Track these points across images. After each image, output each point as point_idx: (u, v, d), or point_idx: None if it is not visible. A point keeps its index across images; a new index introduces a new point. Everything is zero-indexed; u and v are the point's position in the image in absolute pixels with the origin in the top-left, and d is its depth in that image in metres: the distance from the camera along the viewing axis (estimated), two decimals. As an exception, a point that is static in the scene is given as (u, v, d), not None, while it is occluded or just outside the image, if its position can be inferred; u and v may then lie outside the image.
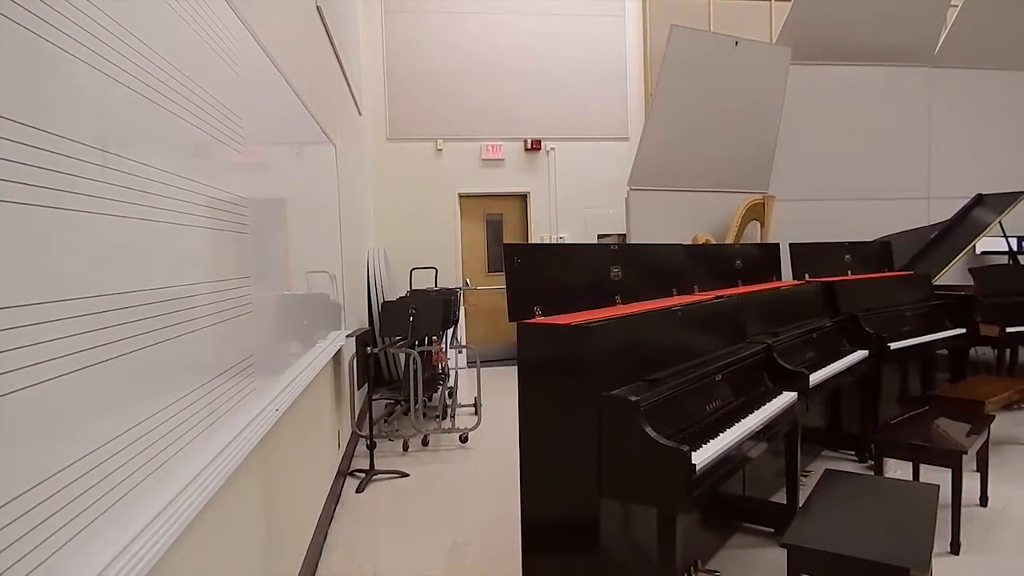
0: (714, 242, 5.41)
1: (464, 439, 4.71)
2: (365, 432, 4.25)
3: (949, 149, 6.36)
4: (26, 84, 0.88)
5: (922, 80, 6.32)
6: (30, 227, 0.87)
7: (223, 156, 1.75)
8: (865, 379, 3.79)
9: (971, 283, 4.81)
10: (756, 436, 2.27)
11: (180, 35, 1.44)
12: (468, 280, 7.79)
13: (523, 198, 8.23)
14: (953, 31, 6.25)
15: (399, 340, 4.89)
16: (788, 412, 2.55)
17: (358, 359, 4.33)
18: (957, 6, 6.22)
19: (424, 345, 5.08)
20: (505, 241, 8.39)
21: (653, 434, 1.86)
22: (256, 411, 1.91)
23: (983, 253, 6.11)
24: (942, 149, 6.36)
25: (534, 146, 7.99)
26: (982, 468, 3.22)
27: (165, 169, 1.31)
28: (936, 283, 4.80)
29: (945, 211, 5.56)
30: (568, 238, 8.04)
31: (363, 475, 3.98)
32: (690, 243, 5.22)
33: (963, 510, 2.80)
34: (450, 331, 5.79)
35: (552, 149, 8.06)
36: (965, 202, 5.41)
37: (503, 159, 7.99)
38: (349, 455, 4.33)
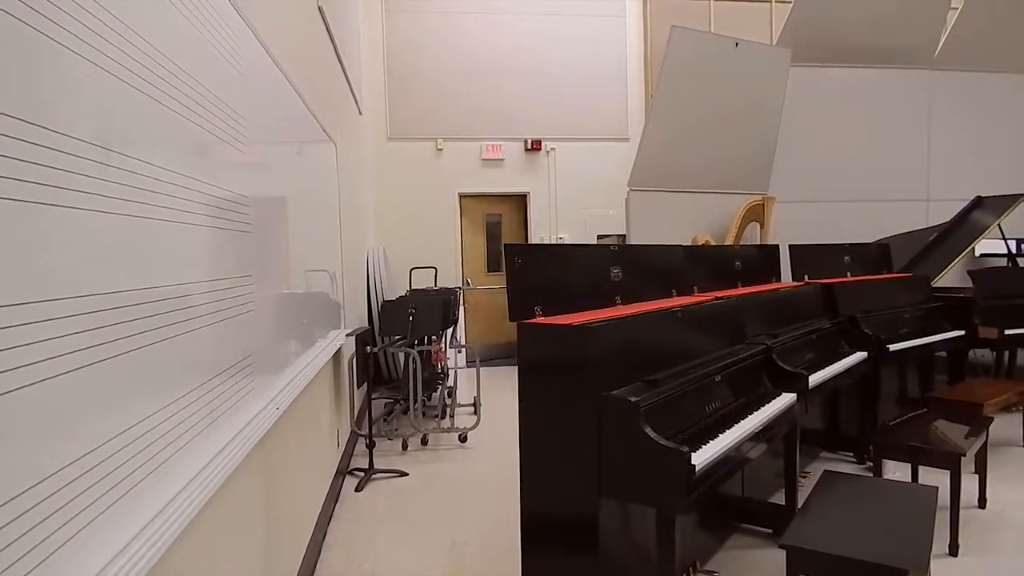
0: (714, 243, 5.42)
1: (463, 439, 4.71)
2: (364, 431, 4.25)
3: (949, 151, 6.37)
4: (27, 81, 0.88)
5: (922, 82, 6.33)
6: (29, 225, 0.87)
7: (225, 155, 1.75)
8: (864, 381, 3.79)
9: (970, 285, 4.81)
10: (755, 437, 2.27)
11: (182, 33, 1.44)
12: (469, 280, 7.80)
13: (521, 198, 8.24)
14: (953, 33, 6.26)
15: (398, 339, 4.89)
16: (787, 413, 2.56)
17: (358, 358, 4.33)
18: (957, 8, 6.23)
19: (423, 344, 5.08)
20: (503, 241, 8.41)
21: (653, 435, 1.87)
22: (256, 410, 1.92)
23: (982, 255, 6.12)
24: (942, 151, 6.37)
25: (534, 146, 7.99)
26: (981, 470, 3.22)
27: (167, 167, 1.32)
28: (935, 285, 4.81)
29: (944, 213, 5.57)
30: (568, 238, 8.05)
31: (362, 474, 3.98)
32: (690, 244, 5.23)
33: (961, 512, 2.80)
34: (449, 331, 5.80)
35: (552, 149, 8.06)
36: (964, 204, 5.42)
37: (503, 159, 8.00)
38: (348, 454, 4.34)
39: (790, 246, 4.22)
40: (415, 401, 4.68)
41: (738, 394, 2.51)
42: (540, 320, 2.17)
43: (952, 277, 5.10)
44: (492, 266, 8.39)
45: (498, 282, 8.10)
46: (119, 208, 1.11)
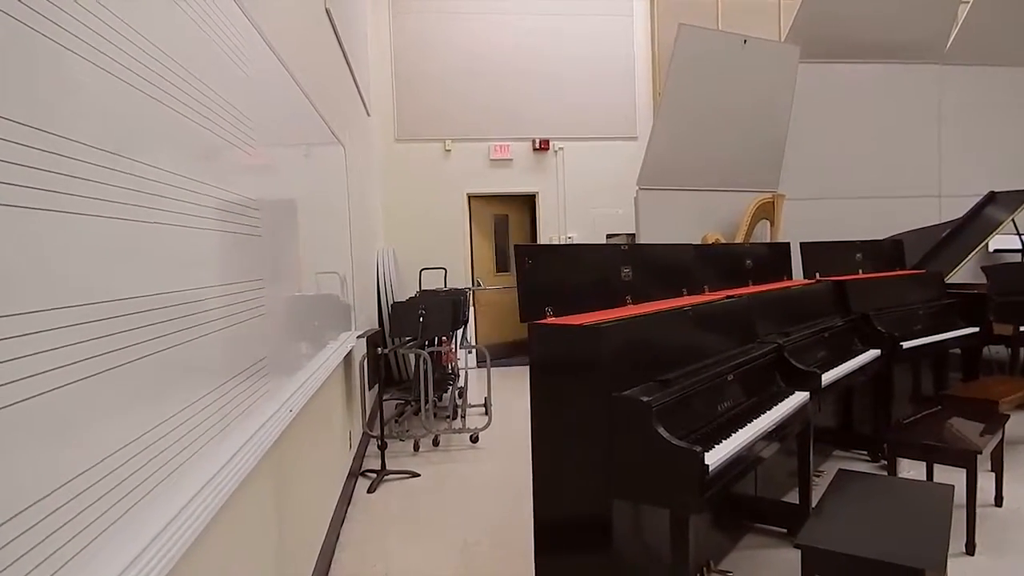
0: (724, 241, 5.39)
1: (475, 439, 4.72)
2: (376, 432, 4.26)
3: (961, 146, 6.31)
4: (34, 86, 0.88)
5: (933, 77, 6.27)
6: (40, 232, 0.87)
7: (234, 158, 1.76)
8: (877, 378, 3.77)
9: (984, 281, 4.77)
10: (768, 436, 2.26)
11: (189, 36, 1.44)
12: (480, 281, 7.82)
13: (528, 198, 8.24)
14: (964, 28, 6.20)
15: (409, 341, 4.90)
16: (800, 412, 2.54)
17: (369, 360, 4.34)
18: (968, 3, 6.18)
19: (434, 345, 5.09)
20: (510, 241, 8.45)
21: (666, 434, 1.86)
22: (270, 413, 1.92)
23: (996, 251, 6.06)
24: (953, 147, 6.31)
25: (542, 146, 7.99)
26: (997, 468, 3.20)
27: (176, 172, 1.32)
28: (948, 281, 4.77)
29: (957, 209, 5.52)
30: (577, 238, 8.04)
31: (374, 475, 3.99)
32: (699, 242, 5.21)
33: (978, 510, 2.78)
34: (460, 331, 5.80)
35: (560, 149, 8.06)
36: (977, 200, 5.36)
37: (511, 159, 8.00)
38: (360, 455, 4.35)
39: (801, 244, 4.20)
40: (426, 402, 4.69)
41: (750, 393, 2.50)
42: (551, 320, 2.17)
43: (965, 273, 5.05)
44: (500, 266, 8.41)
45: (506, 282, 8.13)
46: (129, 213, 1.11)
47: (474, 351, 6.86)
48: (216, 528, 1.42)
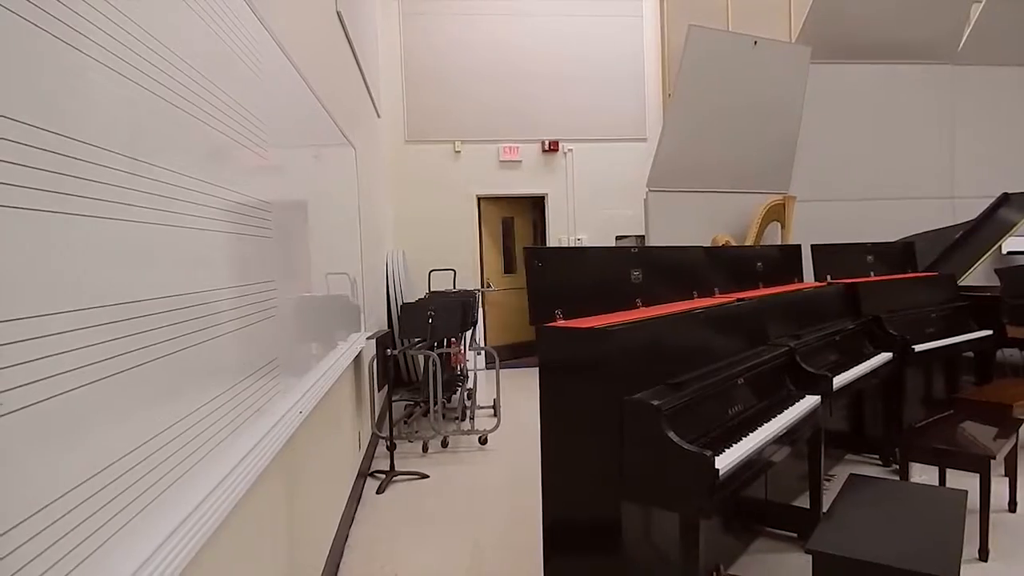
0: (734, 243, 5.37)
1: (483, 441, 4.72)
2: (385, 433, 4.27)
3: (974, 148, 6.26)
4: (54, 92, 0.89)
5: (945, 78, 6.23)
6: (57, 235, 0.88)
7: (246, 160, 1.77)
8: (889, 382, 3.74)
9: (997, 284, 4.73)
10: (779, 440, 2.25)
11: (203, 40, 1.45)
12: (491, 282, 7.83)
13: (534, 200, 8.24)
14: (976, 28, 6.15)
15: (418, 342, 4.90)
16: (811, 416, 2.53)
17: (378, 361, 4.35)
18: (980, 2, 6.13)
19: (443, 347, 5.09)
20: (515, 243, 8.49)
21: (676, 439, 1.86)
22: (281, 414, 1.93)
23: (1009, 253, 6.00)
24: (966, 148, 6.26)
25: (552, 147, 7.99)
26: (1011, 473, 3.17)
27: (190, 174, 1.33)
28: (961, 284, 4.73)
29: (970, 211, 5.47)
30: (586, 239, 8.03)
31: (383, 476, 3.99)
32: (709, 244, 5.19)
33: (991, 516, 2.76)
34: (469, 333, 5.80)
35: (570, 150, 8.05)
36: (990, 201, 5.32)
37: (520, 160, 8.00)
38: (369, 456, 4.36)
39: (812, 246, 4.18)
40: (435, 403, 4.69)
41: (761, 397, 2.49)
42: (560, 323, 2.17)
43: (979, 276, 5.01)
44: (507, 267, 8.43)
45: (512, 283, 8.16)
46: (144, 216, 1.12)
47: (483, 352, 6.87)
48: (227, 529, 1.43)
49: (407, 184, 7.74)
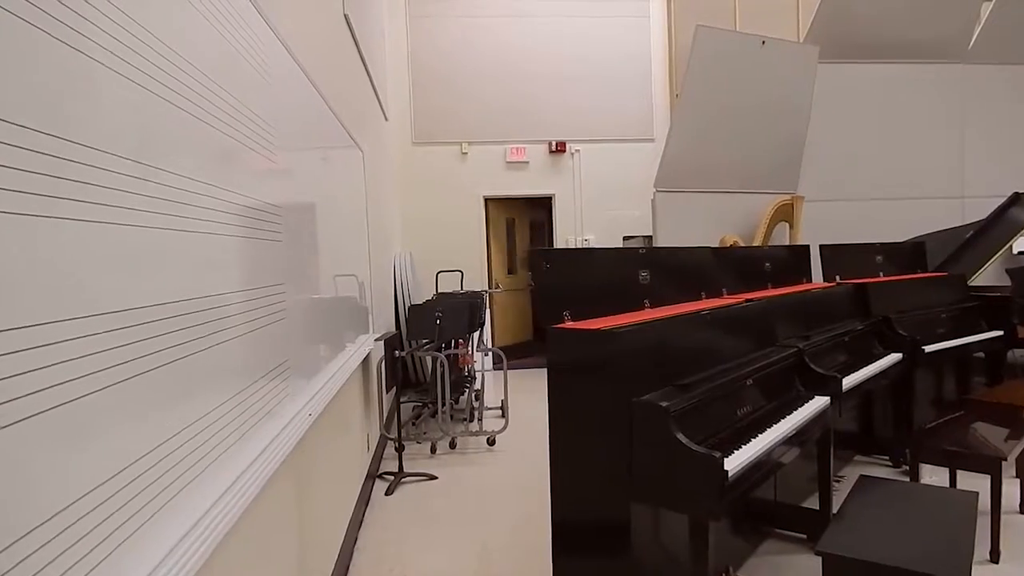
0: (742, 244, 5.36)
1: (491, 442, 4.72)
2: (393, 435, 4.28)
3: (984, 147, 6.21)
4: (62, 98, 0.90)
5: (955, 77, 6.19)
6: (68, 242, 0.89)
7: (255, 163, 1.78)
8: (899, 383, 3.72)
9: (1008, 284, 4.69)
10: (788, 442, 2.24)
11: (212, 44, 1.46)
12: (500, 284, 7.84)
13: (536, 200, 8.24)
14: (987, 26, 6.11)
15: (426, 343, 4.91)
16: (820, 417, 2.52)
17: (386, 362, 4.37)
18: (991, 0, 6.08)
19: (451, 348, 5.10)
20: (514, 243, 8.53)
21: (685, 440, 1.85)
22: (290, 416, 1.94)
23: (1020, 253, 5.95)
24: (977, 147, 6.22)
25: (559, 148, 7.99)
26: (1022, 474, 3.15)
27: (200, 179, 1.34)
28: (971, 284, 4.70)
29: (980, 210, 5.43)
30: (593, 240, 8.03)
31: (392, 477, 4.00)
32: (717, 245, 5.18)
33: (1002, 518, 2.73)
34: (476, 334, 5.81)
35: (577, 151, 8.05)
36: (1001, 201, 5.28)
37: (528, 161, 8.00)
38: (378, 458, 4.37)
39: (821, 246, 4.16)
40: (443, 405, 4.70)
41: (770, 398, 2.48)
42: (569, 325, 2.17)
43: (989, 276, 4.97)
44: (509, 268, 8.49)
45: (513, 283, 8.21)
46: (154, 221, 1.13)
47: (490, 353, 6.87)
48: (238, 534, 1.44)
49: (415, 186, 7.76)
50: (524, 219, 8.83)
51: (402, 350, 4.68)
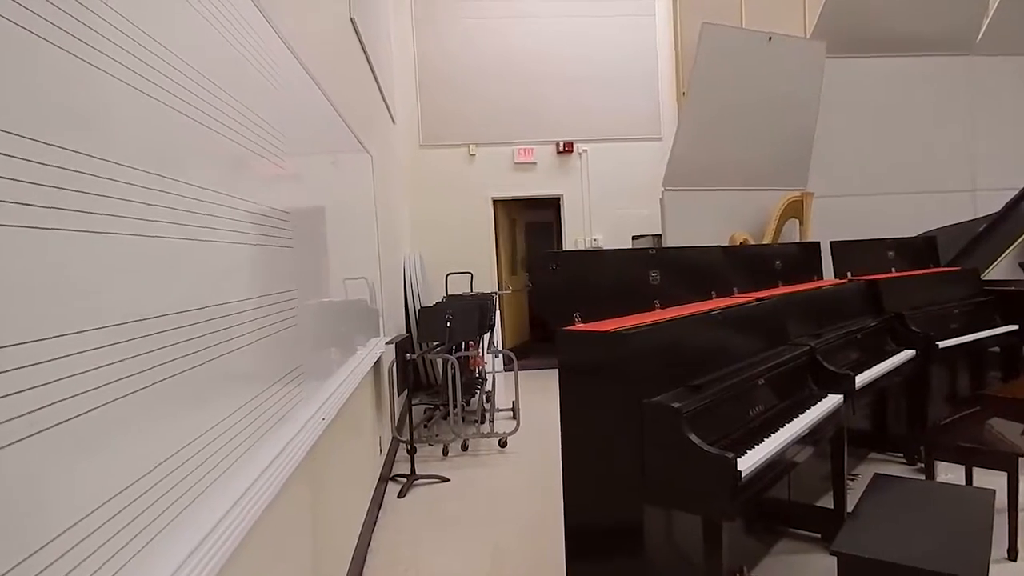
0: (752, 242, 5.34)
1: (503, 444, 4.72)
2: (405, 437, 4.29)
3: (995, 139, 6.16)
4: (80, 112, 0.91)
5: (964, 69, 6.14)
6: (88, 254, 0.90)
7: (266, 171, 1.79)
8: (913, 379, 3.69)
9: (1022, 278, 4.65)
10: (801, 441, 2.23)
11: (221, 53, 1.48)
12: (510, 285, 7.85)
13: (543, 201, 8.23)
14: (995, 18, 6.05)
15: (437, 346, 4.92)
16: (834, 415, 2.51)
17: (397, 365, 4.38)
18: (999, -8, 6.04)
19: (461, 350, 5.11)
20: (513, 244, 8.57)
21: (697, 441, 1.85)
22: (303, 421, 1.95)
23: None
24: (987, 140, 6.16)
25: (566, 148, 7.98)
26: (1039, 470, 3.11)
27: (212, 188, 1.35)
28: (985, 278, 4.66)
29: (992, 203, 5.39)
30: (602, 240, 8.01)
31: (404, 480, 4.01)
32: (727, 243, 5.16)
33: (1020, 515, 2.71)
34: (487, 335, 5.82)
35: (584, 151, 8.04)
36: (1014, 194, 5.23)
37: (535, 162, 8.00)
38: (390, 460, 4.38)
39: (831, 243, 4.14)
40: (454, 407, 4.71)
41: (782, 397, 2.47)
42: (579, 327, 2.17)
43: (1003, 269, 4.93)
44: (512, 269, 8.53)
45: (514, 284, 8.26)
46: (169, 232, 1.14)
47: (500, 355, 6.88)
48: (253, 539, 1.45)
49: (423, 188, 7.77)
50: (521, 220, 8.86)
51: (413, 353, 4.69)
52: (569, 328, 2.16)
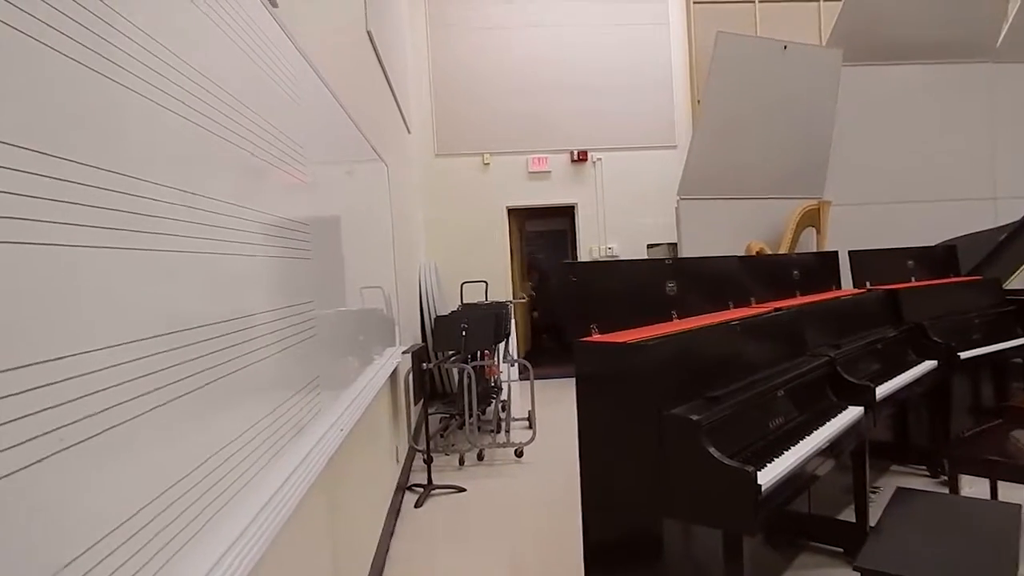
0: (768, 251, 5.30)
1: (519, 454, 4.71)
2: (422, 447, 4.29)
3: (1016, 146, 6.08)
4: (113, 131, 0.93)
5: (984, 76, 6.08)
6: (114, 270, 0.91)
7: (287, 185, 1.81)
8: (934, 391, 3.64)
9: (1046, 287, 4.58)
10: (822, 454, 2.21)
11: (242, 69, 1.49)
12: (524, 294, 7.86)
13: (537, 211, 8.22)
14: (1015, 23, 6.00)
15: (452, 355, 4.93)
16: (854, 427, 2.48)
17: (414, 374, 4.39)
18: (1019, -3, 5.98)
19: (477, 359, 5.11)
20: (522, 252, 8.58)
21: (716, 454, 1.83)
22: (321, 432, 1.95)
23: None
24: (1008, 147, 6.09)
25: (580, 157, 7.98)
26: (1065, 484, 3.05)
27: (236, 202, 1.36)
28: (1007, 288, 4.59)
29: (1014, 212, 5.31)
30: (617, 248, 8.00)
31: (421, 490, 4.01)
32: (743, 252, 5.13)
33: (1047, 529, 2.66)
34: (502, 344, 5.81)
35: (599, 159, 8.04)
36: (1036, 202, 5.17)
37: (550, 171, 8.01)
38: (407, 470, 4.38)
39: (850, 252, 4.10)
40: (470, 416, 4.71)
41: (802, 409, 2.45)
42: (596, 338, 2.17)
43: (1025, 279, 4.86)
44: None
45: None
46: (193, 246, 1.15)
47: (516, 364, 6.87)
48: (272, 553, 1.45)
49: (438, 197, 7.81)
50: (524, 229, 8.87)
51: (429, 362, 4.70)
52: (586, 339, 2.16)
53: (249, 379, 1.39)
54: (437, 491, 4.05)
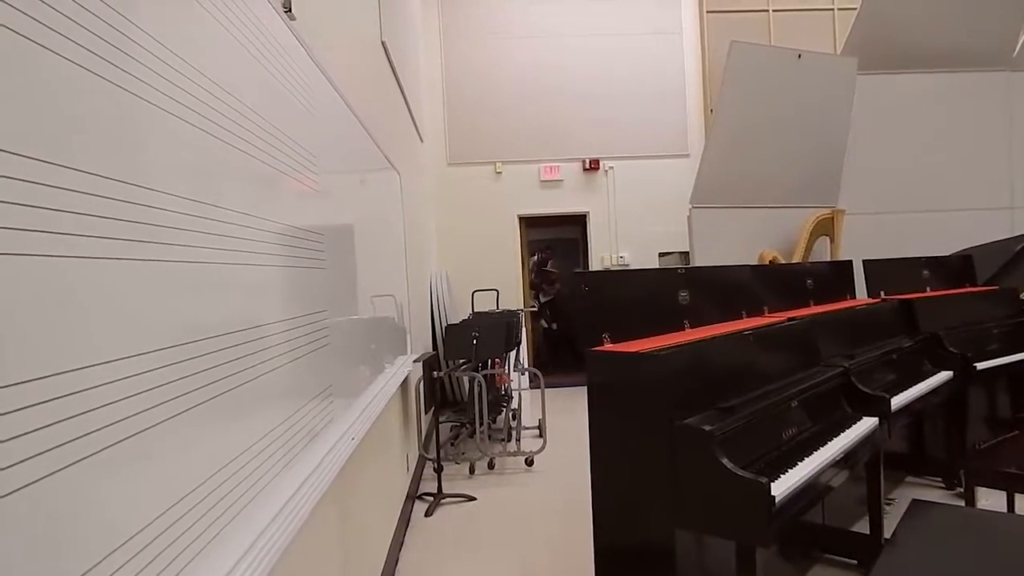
0: (781, 260, 5.27)
1: (530, 462, 4.70)
2: (432, 455, 4.29)
3: (1034, 155, 6.03)
4: (129, 143, 0.94)
5: (1001, 84, 6.03)
6: (131, 281, 0.92)
7: (301, 195, 1.82)
8: (950, 402, 3.60)
9: (1064, 297, 4.52)
10: (836, 464, 2.19)
11: (258, 79, 1.51)
12: (535, 303, 7.86)
13: (537, 219, 8.22)
14: (1033, 32, 5.95)
15: (463, 363, 4.93)
16: (869, 438, 2.46)
17: (424, 383, 4.39)
18: (1036, 5, 5.93)
19: (488, 368, 5.11)
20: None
21: (729, 465, 1.82)
22: (333, 441, 1.96)
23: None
24: (1026, 156, 6.04)
25: (592, 166, 7.99)
26: (1085, 497, 3.00)
27: (250, 212, 1.38)
28: (1024, 298, 4.54)
29: (1031, 221, 5.27)
30: (628, 257, 7.98)
31: (431, 498, 4.01)
32: (756, 261, 5.10)
33: (1066, 544, 2.61)
34: (513, 353, 5.81)
35: (611, 168, 8.04)
36: (1054, 211, 5.11)
37: (562, 180, 8.02)
38: (417, 478, 4.38)
39: (864, 261, 4.07)
40: (481, 425, 4.70)
41: (816, 419, 2.43)
42: (608, 348, 2.16)
43: (1043, 289, 4.80)
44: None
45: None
46: (208, 257, 1.16)
47: (526, 373, 6.86)
48: (288, 558, 1.45)
49: (450, 206, 7.84)
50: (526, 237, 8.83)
51: (440, 370, 4.70)
52: (598, 349, 2.15)
53: (262, 389, 1.40)
54: (447, 500, 4.04)
